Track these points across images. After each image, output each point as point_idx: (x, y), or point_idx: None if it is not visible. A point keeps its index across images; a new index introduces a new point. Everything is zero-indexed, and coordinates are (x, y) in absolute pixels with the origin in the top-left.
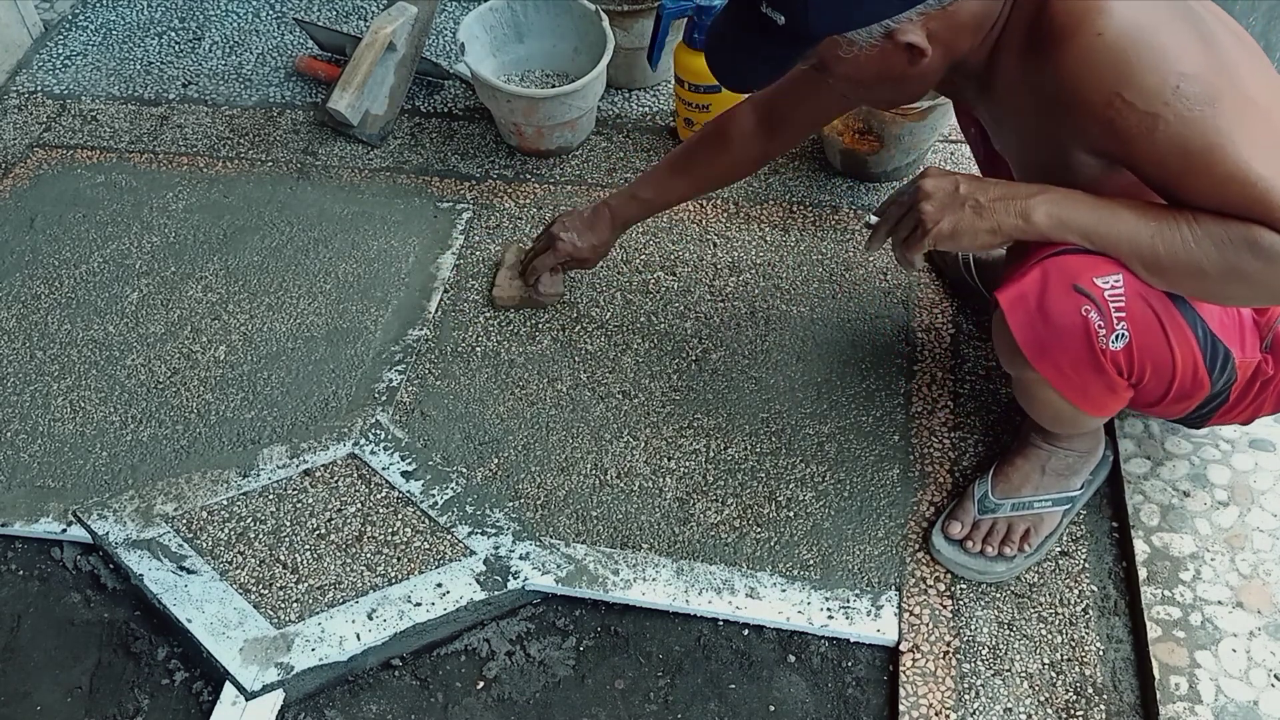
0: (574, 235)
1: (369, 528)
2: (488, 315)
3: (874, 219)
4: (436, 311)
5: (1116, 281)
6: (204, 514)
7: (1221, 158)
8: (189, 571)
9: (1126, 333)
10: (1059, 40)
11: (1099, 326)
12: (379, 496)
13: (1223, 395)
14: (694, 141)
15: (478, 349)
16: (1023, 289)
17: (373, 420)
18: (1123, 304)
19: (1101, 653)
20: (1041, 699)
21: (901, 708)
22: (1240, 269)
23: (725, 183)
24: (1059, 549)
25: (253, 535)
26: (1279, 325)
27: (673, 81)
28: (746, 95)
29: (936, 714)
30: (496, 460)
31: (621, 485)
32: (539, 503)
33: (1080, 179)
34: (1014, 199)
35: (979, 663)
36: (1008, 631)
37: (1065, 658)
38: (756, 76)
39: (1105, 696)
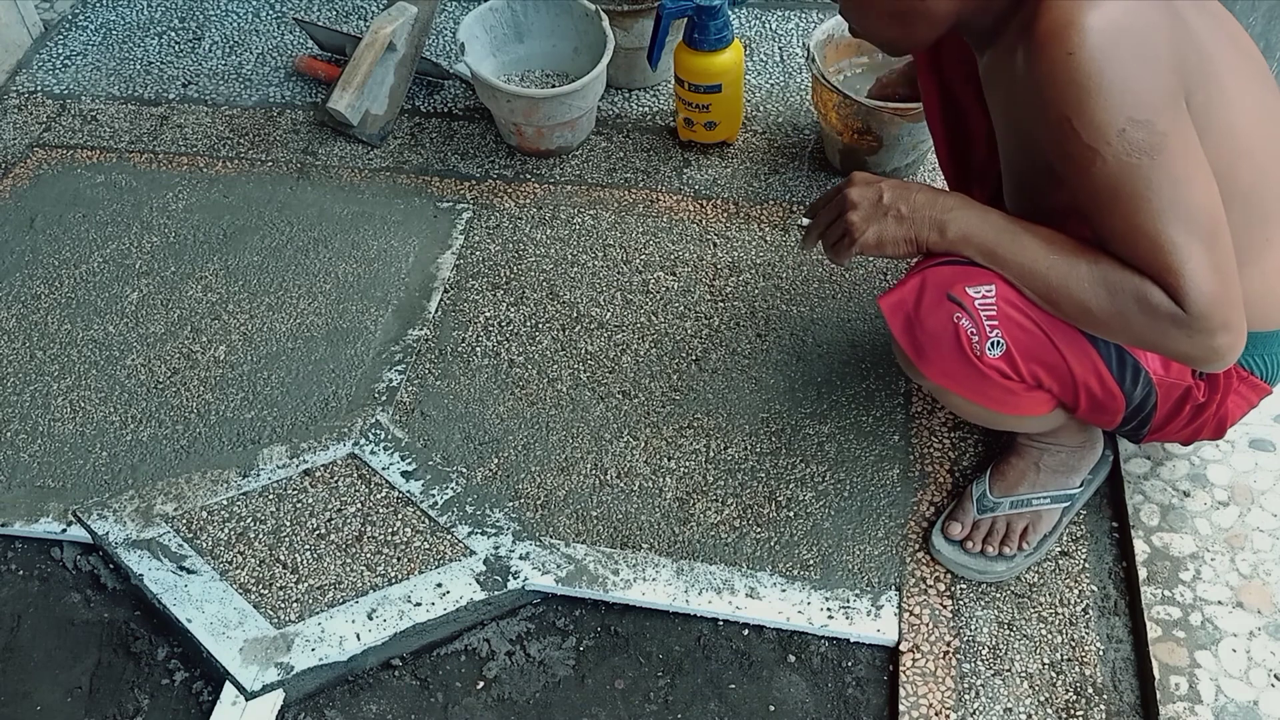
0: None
1: (369, 528)
2: (488, 315)
3: (805, 221)
4: (436, 311)
5: (988, 291)
6: (204, 514)
7: (1143, 211)
8: (189, 571)
9: (1002, 340)
10: (1037, 43)
11: (971, 333)
12: (379, 496)
13: (1146, 411)
14: None
15: (478, 349)
16: (901, 295)
17: (373, 420)
18: (994, 312)
19: (1101, 653)
20: (1041, 699)
21: (901, 708)
22: (1125, 317)
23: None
24: (1059, 549)
25: (253, 535)
26: None
27: (673, 81)
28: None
29: (936, 714)
30: (496, 460)
31: (621, 485)
32: (539, 503)
33: (1036, 176)
34: (932, 211)
35: (979, 663)
36: (1008, 631)
37: (1065, 658)
38: None
39: (1105, 696)
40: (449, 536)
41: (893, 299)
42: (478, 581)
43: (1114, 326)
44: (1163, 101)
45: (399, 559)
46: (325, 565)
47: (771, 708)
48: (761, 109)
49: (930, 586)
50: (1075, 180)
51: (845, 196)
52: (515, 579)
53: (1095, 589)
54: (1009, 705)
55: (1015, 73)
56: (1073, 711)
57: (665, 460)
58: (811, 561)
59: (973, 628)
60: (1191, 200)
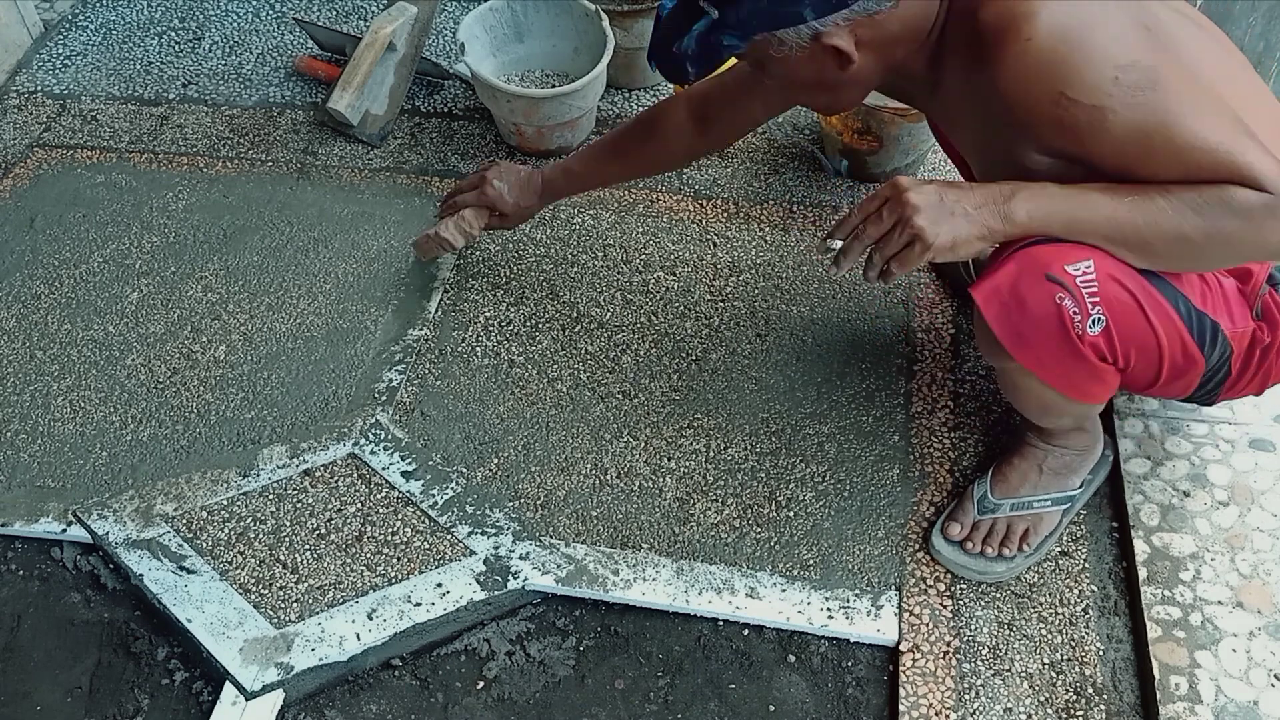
0: (505, 186)
1: (369, 528)
2: (488, 315)
3: (837, 242)
4: (436, 311)
5: (1088, 267)
6: (204, 514)
7: (1177, 132)
8: (189, 571)
9: (1103, 316)
10: (992, 49)
11: (1074, 313)
12: (379, 496)
13: (1223, 369)
14: (626, 127)
15: (478, 349)
16: (996, 282)
17: (373, 420)
18: (1095, 289)
19: (1101, 653)
20: (1041, 699)
21: (901, 708)
22: (1221, 229)
23: (654, 171)
24: (1059, 549)
25: (253, 535)
26: (1265, 293)
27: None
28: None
29: (936, 714)
30: (496, 460)
31: (621, 485)
32: (539, 503)
33: (1036, 178)
34: (995, 202)
35: (979, 663)
36: (1008, 631)
37: (1065, 658)
38: (694, 69)
39: (1105, 696)
40: (449, 536)
41: (987, 287)
42: (478, 581)
43: (1214, 245)
44: (1135, 41)
45: (399, 559)
46: (325, 565)
47: (771, 708)
48: None
49: (930, 586)
50: (1095, 147)
51: (904, 200)
52: (515, 579)
53: (1095, 589)
54: (1009, 705)
55: (981, 92)
56: (1073, 711)
57: (665, 460)
58: (811, 561)
59: (973, 628)
60: (1211, 104)
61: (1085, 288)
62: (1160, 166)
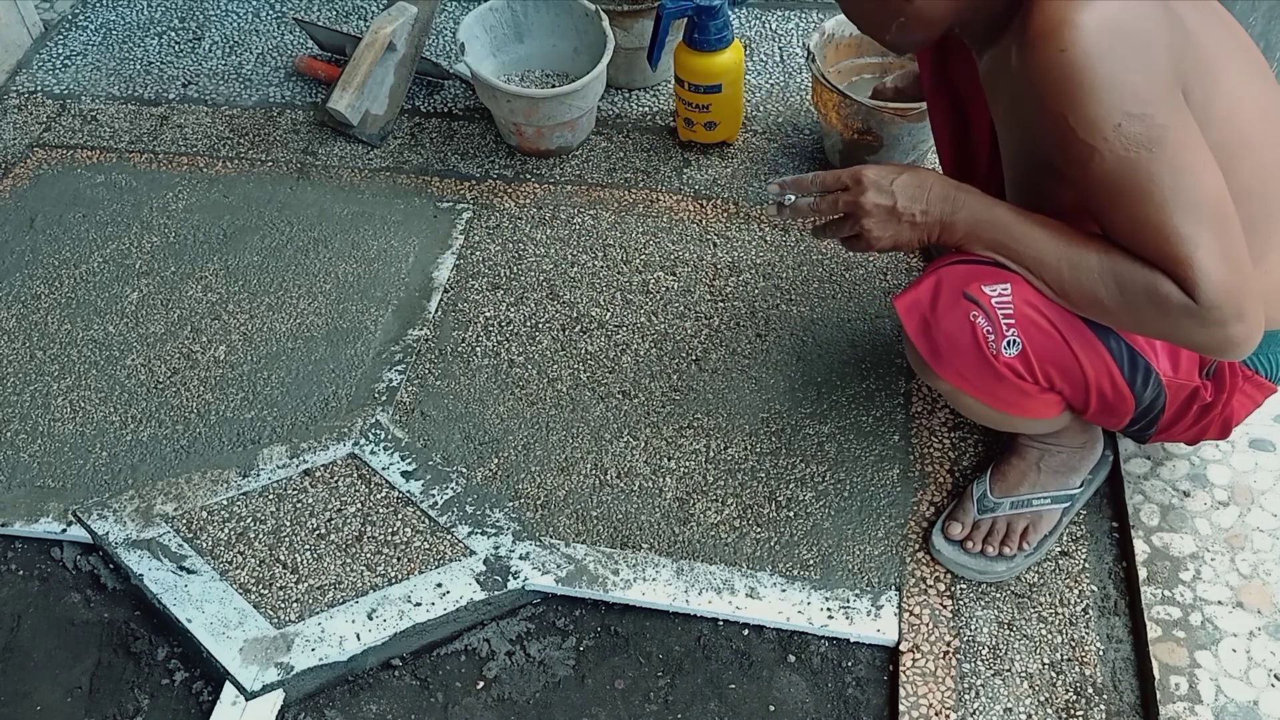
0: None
1: (369, 528)
2: (488, 315)
3: (790, 197)
4: (436, 311)
5: (1004, 290)
6: (204, 514)
7: (1146, 204)
8: (189, 571)
9: (1018, 339)
10: (1031, 41)
11: (987, 332)
12: (379, 496)
13: (1154, 411)
14: None
15: (478, 349)
16: (917, 295)
17: (373, 420)
18: (1010, 311)
19: (1101, 653)
20: (1041, 699)
21: (901, 708)
22: (1136, 309)
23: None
24: (1059, 549)
25: (253, 535)
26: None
27: (673, 81)
28: None
29: (936, 714)
30: (496, 460)
31: (621, 485)
32: (539, 503)
33: (1038, 173)
34: (943, 212)
35: (979, 663)
36: (1008, 631)
37: (1065, 658)
38: None
39: (1105, 696)
40: (449, 536)
41: (908, 300)
42: (478, 581)
43: (1126, 318)
44: (1159, 94)
45: (399, 559)
46: (325, 565)
47: (771, 708)
48: (761, 109)
49: (930, 586)
50: (1078, 177)
51: (859, 203)
52: (515, 579)
53: (1095, 589)
54: (1009, 705)
55: (1012, 73)
56: (1073, 711)
57: (665, 460)
58: (811, 561)
59: (973, 628)
60: (1197, 190)
61: (1000, 309)
62: (1115, 226)
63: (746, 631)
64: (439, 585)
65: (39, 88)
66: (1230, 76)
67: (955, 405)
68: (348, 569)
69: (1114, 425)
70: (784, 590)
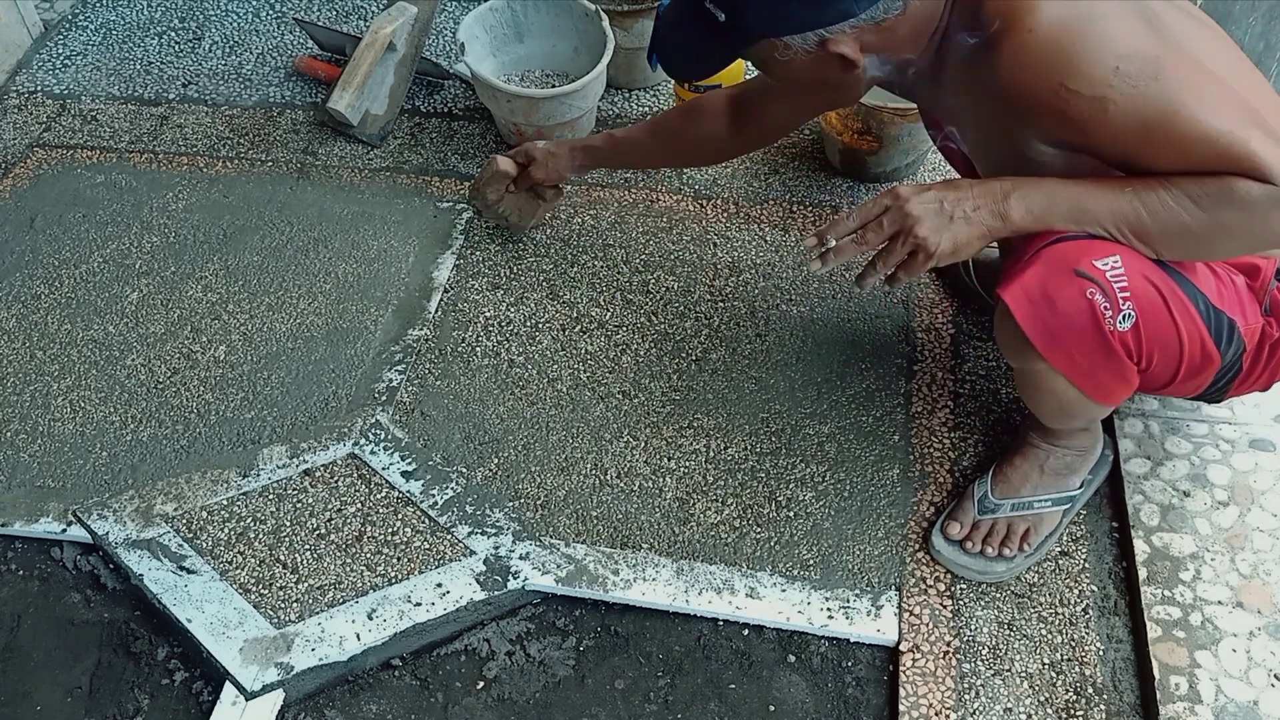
0: (537, 143)
1: (369, 528)
2: (488, 315)
3: (831, 240)
4: (436, 311)
5: (1116, 262)
6: (204, 514)
7: (1178, 122)
8: (189, 571)
9: (1133, 312)
10: (995, 41)
11: (1105, 308)
12: (379, 496)
13: (1235, 366)
14: (669, 111)
15: (478, 349)
16: (1024, 282)
17: (373, 420)
18: (1125, 283)
19: (1101, 653)
20: (1041, 699)
21: (901, 708)
22: (1222, 221)
23: (688, 161)
24: (1059, 549)
25: (253, 535)
26: (1273, 288)
27: (673, 81)
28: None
29: (936, 714)
30: (496, 460)
31: (621, 485)
32: (539, 503)
33: (1042, 169)
34: (992, 201)
35: (979, 663)
36: (1008, 631)
37: (1065, 658)
38: (698, 67)
39: (1105, 696)
40: (449, 536)
41: (1014, 287)
42: (478, 581)
43: (1217, 236)
44: (1136, 32)
45: (399, 559)
46: (325, 565)
47: (771, 708)
48: None
49: (930, 586)
50: (1096, 138)
51: (905, 211)
52: (515, 579)
53: (1095, 589)
54: (1009, 705)
55: (980, 81)
56: (1073, 711)
57: (665, 460)
58: (811, 561)
59: (973, 628)
60: (1215, 94)
61: (1115, 282)
62: (1162, 157)
63: (746, 631)
64: (439, 585)
65: (39, 88)
66: (1183, 31)
67: (1031, 390)
68: (348, 569)
69: (1192, 391)
70: (784, 590)
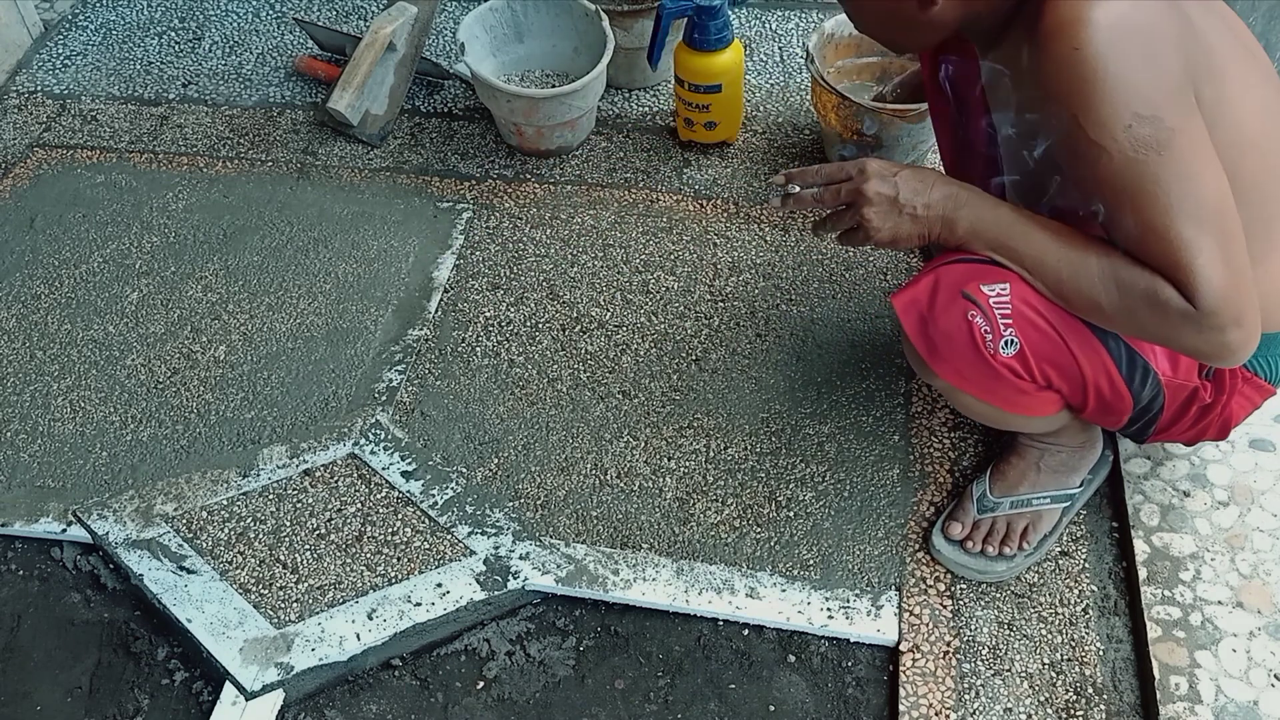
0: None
1: (369, 528)
2: (488, 315)
3: (795, 187)
4: (436, 311)
5: (1003, 290)
6: (204, 514)
7: (1151, 207)
8: (189, 571)
9: (1016, 339)
10: (1044, 39)
11: (985, 332)
12: (379, 496)
13: (1153, 411)
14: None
15: (478, 349)
16: (915, 294)
17: (373, 420)
18: (1008, 311)
19: (1101, 653)
20: (1041, 699)
21: (901, 708)
22: (1135, 313)
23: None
24: (1059, 549)
25: (253, 535)
26: None
27: (673, 81)
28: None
29: (936, 714)
30: (496, 460)
31: (621, 485)
32: (539, 503)
33: (1040, 178)
34: (945, 209)
35: (979, 663)
36: (1008, 631)
37: (1065, 658)
38: None
39: (1105, 696)
40: (449, 536)
41: (906, 297)
42: (478, 581)
43: (1124, 322)
44: (1169, 97)
45: (399, 559)
46: (325, 565)
47: (771, 708)
48: (761, 109)
49: (930, 586)
50: (1083, 177)
51: (862, 191)
52: (515, 579)
53: (1095, 589)
54: (1009, 705)
55: (1021, 71)
56: (1073, 711)
57: (665, 460)
58: (811, 561)
59: (973, 628)
60: (1202, 196)
61: (999, 309)
62: (1119, 226)
63: (746, 631)
64: (439, 585)
65: (39, 88)
66: (1234, 75)
67: (953, 403)
68: (348, 569)
69: (1112, 425)
70: (784, 590)
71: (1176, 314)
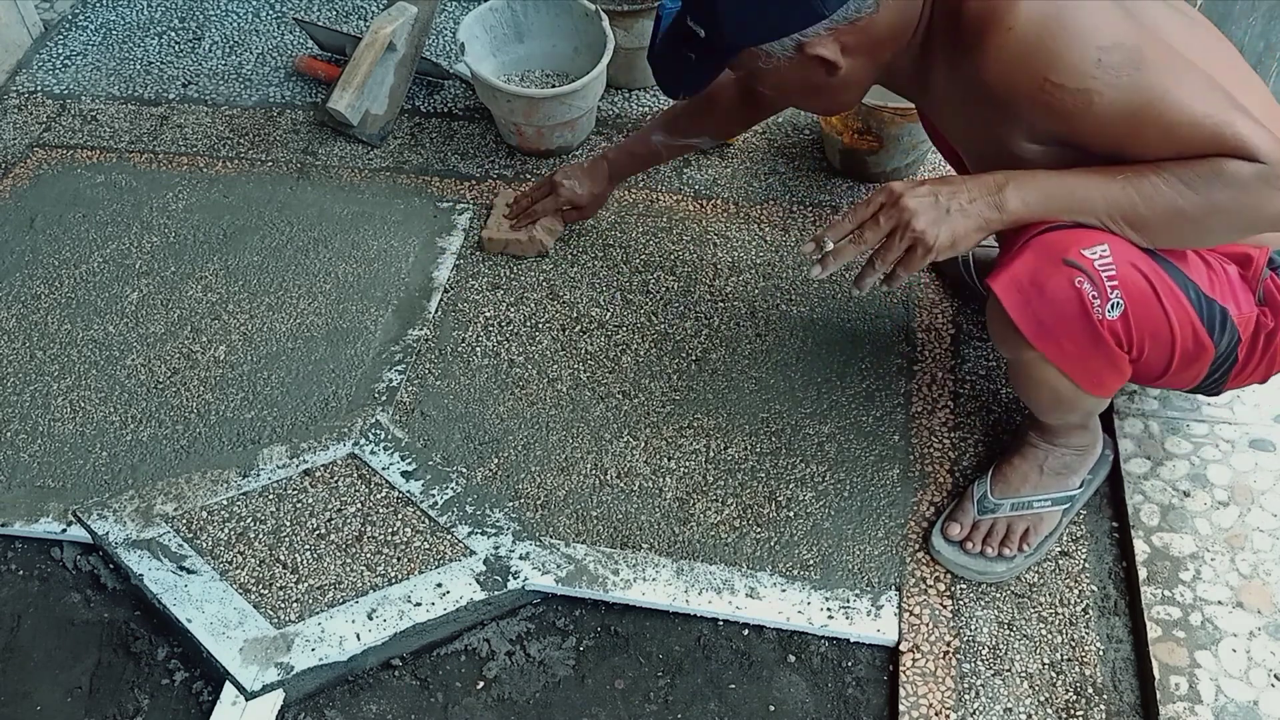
0: (575, 182)
1: (369, 528)
2: (488, 315)
3: (829, 244)
4: (436, 311)
5: (1104, 251)
6: (204, 514)
7: (1163, 109)
8: (189, 571)
9: (1121, 301)
10: (976, 40)
11: (1093, 296)
12: (379, 496)
13: (1231, 357)
14: (680, 104)
15: (478, 349)
16: (1014, 272)
17: (373, 420)
18: (1113, 271)
19: (1101, 653)
20: (1041, 699)
21: (901, 708)
22: (1216, 201)
23: (712, 137)
24: (1059, 549)
25: (253, 535)
26: (1266, 278)
27: None
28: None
29: (936, 714)
30: (496, 460)
31: (621, 485)
32: (539, 503)
33: (1029, 166)
34: (988, 194)
35: (979, 663)
36: (1008, 631)
37: (1065, 658)
38: (689, 82)
39: (1105, 696)
40: (449, 536)
41: (1004, 278)
42: (478, 581)
43: (1212, 218)
44: (1113, 23)
45: (399, 559)
46: (325, 565)
47: (771, 708)
48: None
49: (930, 586)
50: (1083, 130)
51: (901, 205)
52: (515, 579)
53: (1095, 589)
54: (1009, 705)
55: (968, 84)
56: (1073, 711)
57: (665, 460)
58: (811, 561)
59: (973, 628)
60: (1196, 79)
61: (1103, 271)
62: (1150, 144)
63: (746, 631)
64: (439, 585)
65: (39, 88)
66: (1157, 15)
67: (1024, 381)
68: (348, 569)
69: (1189, 382)
70: (784, 590)
71: (1253, 177)
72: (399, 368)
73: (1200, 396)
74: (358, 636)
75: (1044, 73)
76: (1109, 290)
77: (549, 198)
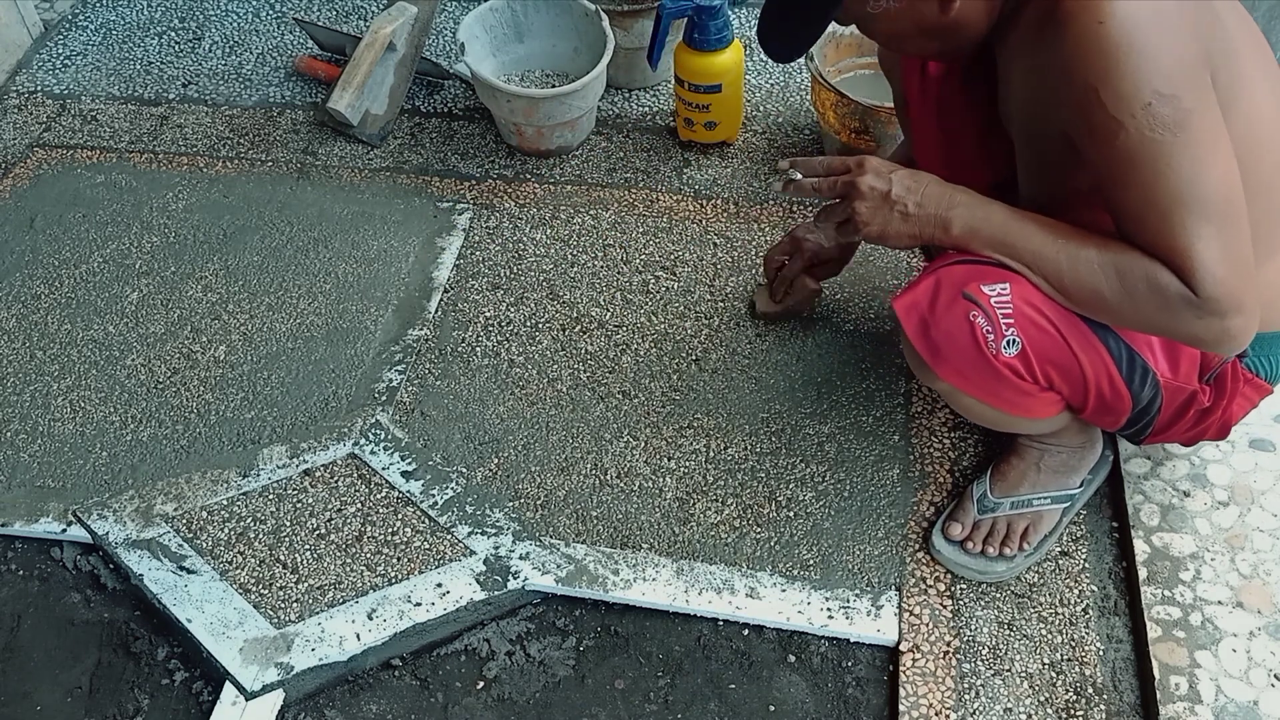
0: (818, 236)
1: (369, 528)
2: (488, 315)
3: (796, 175)
4: (436, 311)
5: (1003, 290)
6: (204, 514)
7: (1159, 188)
8: (189, 571)
9: (1018, 339)
10: (1066, 16)
11: (987, 331)
12: (379, 496)
13: (1152, 412)
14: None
15: (478, 349)
16: (915, 296)
17: (373, 420)
18: (1010, 310)
19: (1101, 653)
20: (1041, 699)
21: (901, 708)
22: (1135, 300)
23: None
24: (1059, 549)
25: (253, 535)
26: (1224, 363)
27: (673, 81)
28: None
29: (936, 714)
30: (496, 460)
31: (621, 485)
32: (539, 503)
33: (1057, 156)
34: (938, 208)
35: (979, 663)
36: (1008, 631)
37: (1065, 658)
38: (802, 36)
39: (1105, 696)
40: (449, 536)
41: (906, 300)
42: (478, 581)
43: (1125, 311)
44: (1189, 77)
45: (399, 559)
46: (325, 565)
47: (771, 708)
48: (761, 109)
49: (930, 586)
50: (1096, 153)
51: (855, 185)
52: (515, 579)
53: (1095, 589)
54: (1009, 705)
55: (1039, 49)
56: (1073, 711)
57: (665, 460)
58: (811, 561)
59: (973, 628)
60: (1209, 181)
61: (1000, 309)
62: (1126, 203)
63: (746, 631)
64: (439, 585)
65: (39, 88)
66: (1248, 64)
67: (954, 406)
68: (348, 569)
69: (1111, 426)
70: (784, 590)
71: (1177, 299)
72: (399, 368)
73: None
74: (358, 636)
75: (1096, 82)
76: (1004, 328)
77: (794, 259)
